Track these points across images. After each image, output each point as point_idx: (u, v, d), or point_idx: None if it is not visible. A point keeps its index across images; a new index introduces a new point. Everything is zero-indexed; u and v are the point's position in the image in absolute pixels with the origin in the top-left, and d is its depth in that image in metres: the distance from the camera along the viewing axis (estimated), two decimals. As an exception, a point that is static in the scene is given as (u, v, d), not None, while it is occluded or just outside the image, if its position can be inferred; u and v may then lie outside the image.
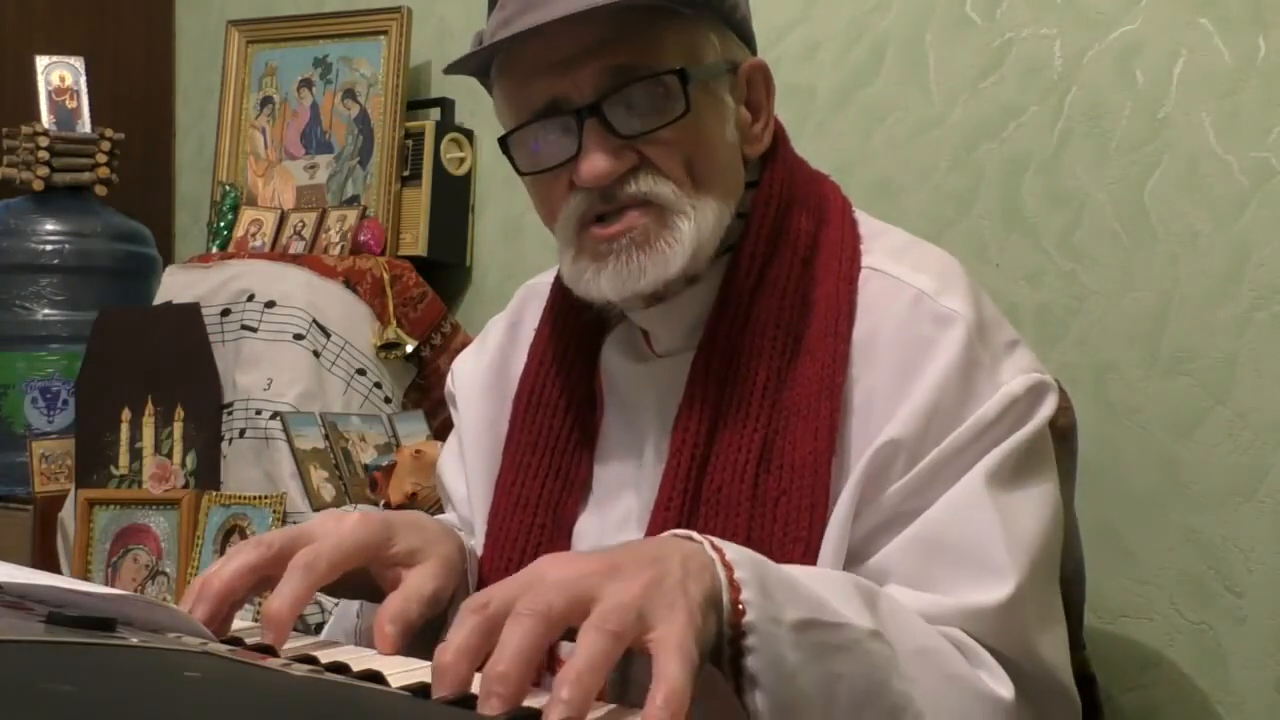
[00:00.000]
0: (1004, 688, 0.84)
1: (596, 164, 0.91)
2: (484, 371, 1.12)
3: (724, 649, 0.69)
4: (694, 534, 0.72)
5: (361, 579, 0.84)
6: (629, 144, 0.92)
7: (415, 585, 0.82)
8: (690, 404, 0.95)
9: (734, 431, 0.93)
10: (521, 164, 0.97)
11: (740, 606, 0.68)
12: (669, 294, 0.98)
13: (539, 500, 1.01)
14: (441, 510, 1.21)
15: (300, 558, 0.78)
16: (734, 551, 0.71)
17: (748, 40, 1.02)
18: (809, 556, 0.89)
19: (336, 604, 1.05)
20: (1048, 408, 0.94)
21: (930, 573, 0.88)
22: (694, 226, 0.93)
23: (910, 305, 0.94)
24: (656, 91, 0.92)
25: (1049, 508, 0.93)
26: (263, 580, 0.79)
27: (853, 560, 0.90)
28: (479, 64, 0.99)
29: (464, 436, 1.12)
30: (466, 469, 1.11)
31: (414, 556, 0.84)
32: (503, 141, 0.98)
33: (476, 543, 1.06)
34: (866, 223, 1.03)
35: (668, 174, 0.93)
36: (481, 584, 1.01)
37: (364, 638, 0.94)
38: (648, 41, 0.93)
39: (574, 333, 1.05)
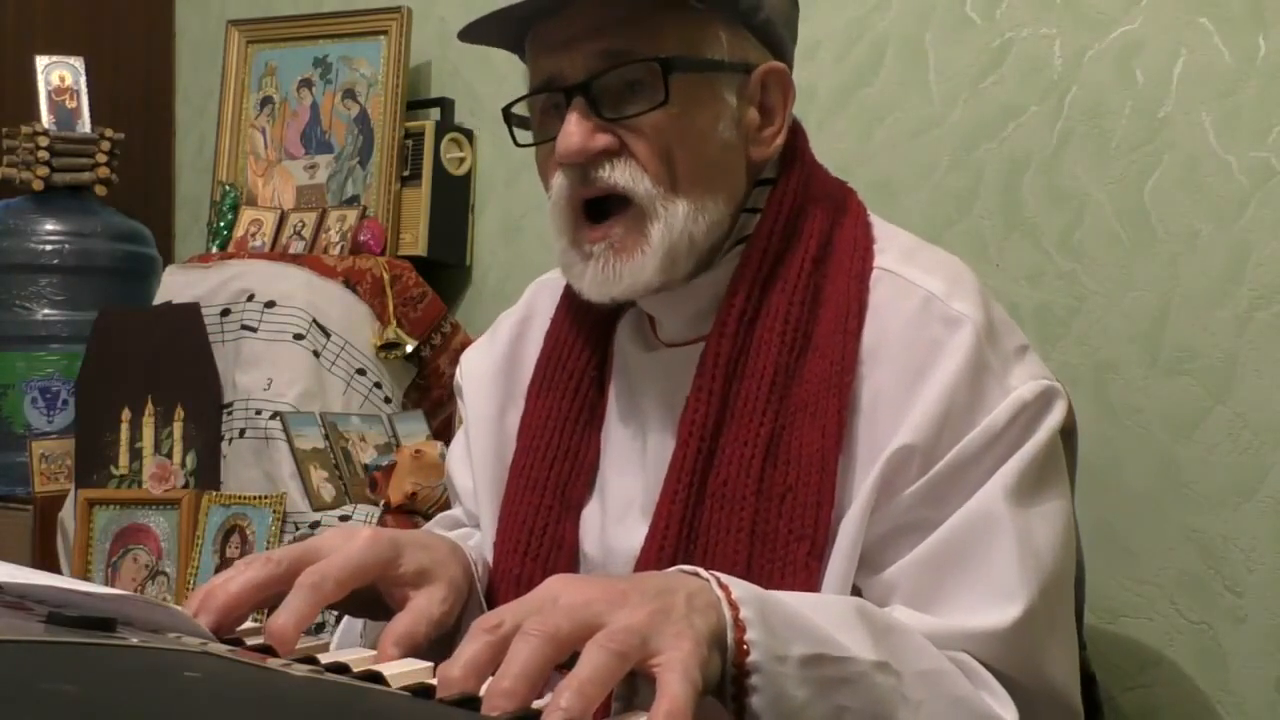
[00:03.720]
0: (1007, 709, 0.84)
1: (570, 139, 0.93)
2: (493, 363, 1.13)
3: (727, 687, 0.69)
4: (700, 570, 0.73)
5: (368, 597, 0.84)
6: (610, 127, 0.94)
7: (423, 607, 0.81)
8: (698, 396, 0.95)
9: (741, 425, 0.93)
10: (519, 135, 1.02)
11: (745, 646, 0.69)
12: (674, 281, 0.99)
13: (547, 481, 1.02)
14: (444, 508, 1.20)
15: (307, 576, 0.78)
16: (739, 589, 0.71)
17: (773, 44, 1.02)
18: (813, 554, 0.89)
19: (336, 615, 1.05)
20: (1057, 415, 0.94)
21: (940, 593, 0.88)
22: (664, 228, 0.94)
23: (920, 307, 0.94)
24: (641, 78, 0.94)
25: (1062, 522, 0.93)
26: (269, 598, 0.79)
27: (865, 567, 0.90)
28: (507, 39, 1.02)
29: (470, 428, 1.12)
30: (473, 461, 1.11)
31: (422, 577, 0.84)
32: (505, 112, 1.01)
33: (484, 537, 1.06)
34: (880, 226, 1.03)
35: (645, 165, 0.94)
36: (493, 568, 1.01)
37: None
38: (647, 30, 0.94)
39: (588, 316, 1.06)
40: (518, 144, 1.01)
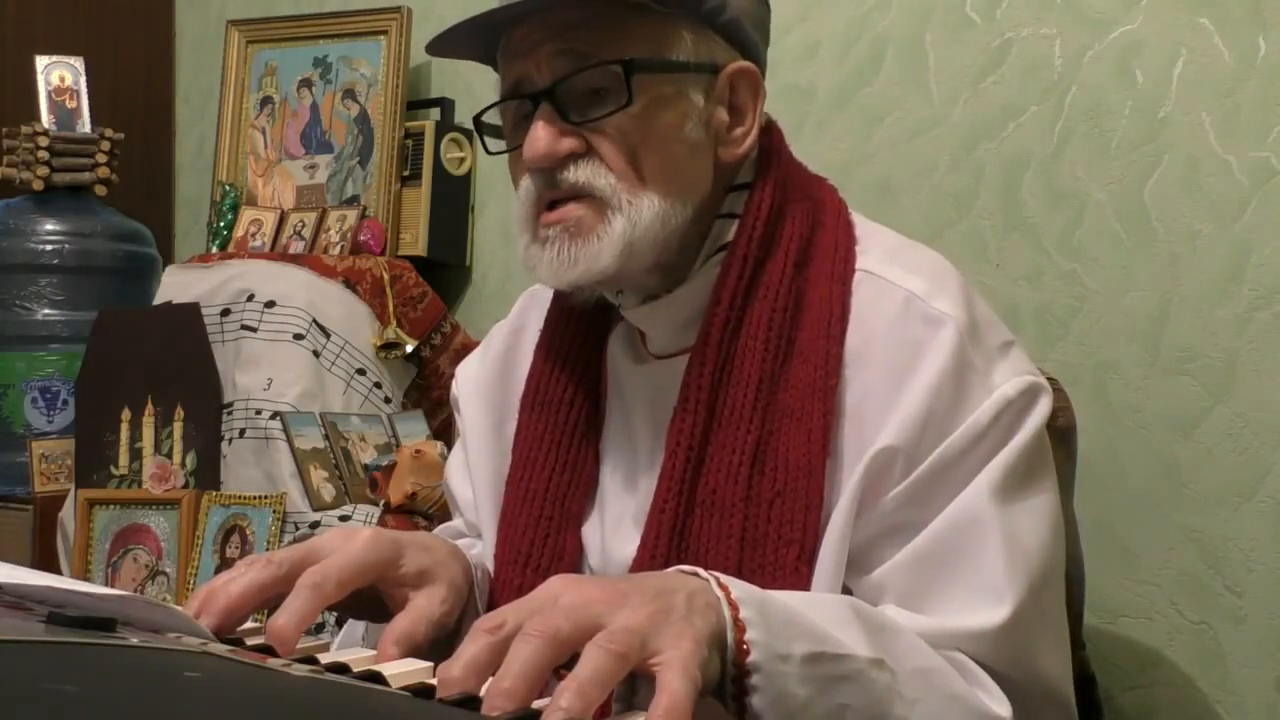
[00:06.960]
0: (1001, 706, 0.84)
1: (536, 144, 0.94)
2: (488, 376, 1.13)
3: (727, 687, 0.69)
4: (700, 570, 0.73)
5: (369, 598, 0.84)
6: (576, 130, 0.94)
7: (423, 607, 0.82)
8: (685, 406, 0.95)
9: (728, 433, 0.94)
10: (489, 143, 1.02)
11: (745, 646, 0.69)
12: (659, 291, 0.99)
13: (546, 493, 1.02)
14: (444, 508, 1.21)
15: (308, 576, 0.78)
16: (739, 589, 0.71)
17: (740, 44, 1.01)
18: (803, 558, 0.89)
19: (336, 616, 1.05)
20: (1042, 410, 0.94)
21: (930, 593, 0.88)
22: (627, 222, 0.94)
23: (901, 308, 0.94)
24: (605, 81, 0.94)
25: (1050, 517, 0.93)
26: (270, 599, 0.79)
27: (853, 570, 0.91)
28: (477, 50, 1.01)
29: (468, 441, 1.13)
30: (471, 473, 1.11)
31: (422, 578, 0.84)
32: (476, 121, 1.02)
33: (485, 548, 1.06)
34: (862, 225, 1.02)
35: (610, 165, 0.94)
36: (495, 579, 1.02)
37: None
38: (610, 33, 0.94)
39: (578, 330, 1.06)
40: (490, 152, 1.02)
